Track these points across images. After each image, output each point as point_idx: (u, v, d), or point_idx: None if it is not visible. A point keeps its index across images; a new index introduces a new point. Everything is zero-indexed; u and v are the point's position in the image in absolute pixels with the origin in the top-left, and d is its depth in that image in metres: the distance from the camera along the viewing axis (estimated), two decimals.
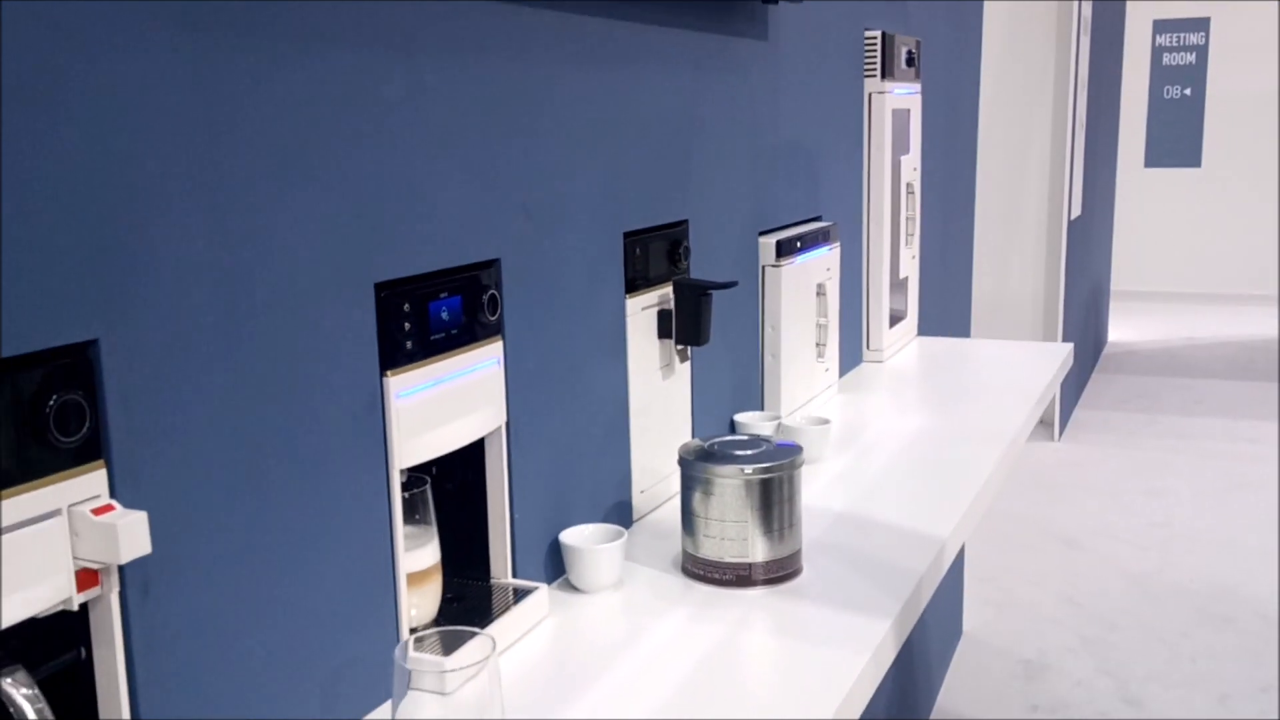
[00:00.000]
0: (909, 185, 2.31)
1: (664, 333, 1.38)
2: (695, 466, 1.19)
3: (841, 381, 2.08)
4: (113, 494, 0.70)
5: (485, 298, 1.04)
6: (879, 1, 2.19)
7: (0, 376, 0.64)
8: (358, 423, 0.91)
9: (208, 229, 0.76)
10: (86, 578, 0.69)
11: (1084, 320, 5.98)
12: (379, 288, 0.92)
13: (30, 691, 0.65)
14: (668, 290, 1.39)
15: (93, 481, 0.69)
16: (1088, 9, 5.19)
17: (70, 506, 0.67)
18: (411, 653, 0.82)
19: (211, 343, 0.77)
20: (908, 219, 2.32)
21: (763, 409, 1.73)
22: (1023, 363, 2.17)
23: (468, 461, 1.09)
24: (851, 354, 2.17)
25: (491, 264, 1.07)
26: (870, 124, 2.15)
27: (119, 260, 0.70)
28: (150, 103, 0.72)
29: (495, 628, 1.03)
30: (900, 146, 2.25)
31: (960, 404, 1.90)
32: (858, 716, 0.99)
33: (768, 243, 1.70)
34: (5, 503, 0.64)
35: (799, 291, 1.78)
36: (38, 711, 0.65)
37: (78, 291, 0.68)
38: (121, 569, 0.70)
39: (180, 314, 0.74)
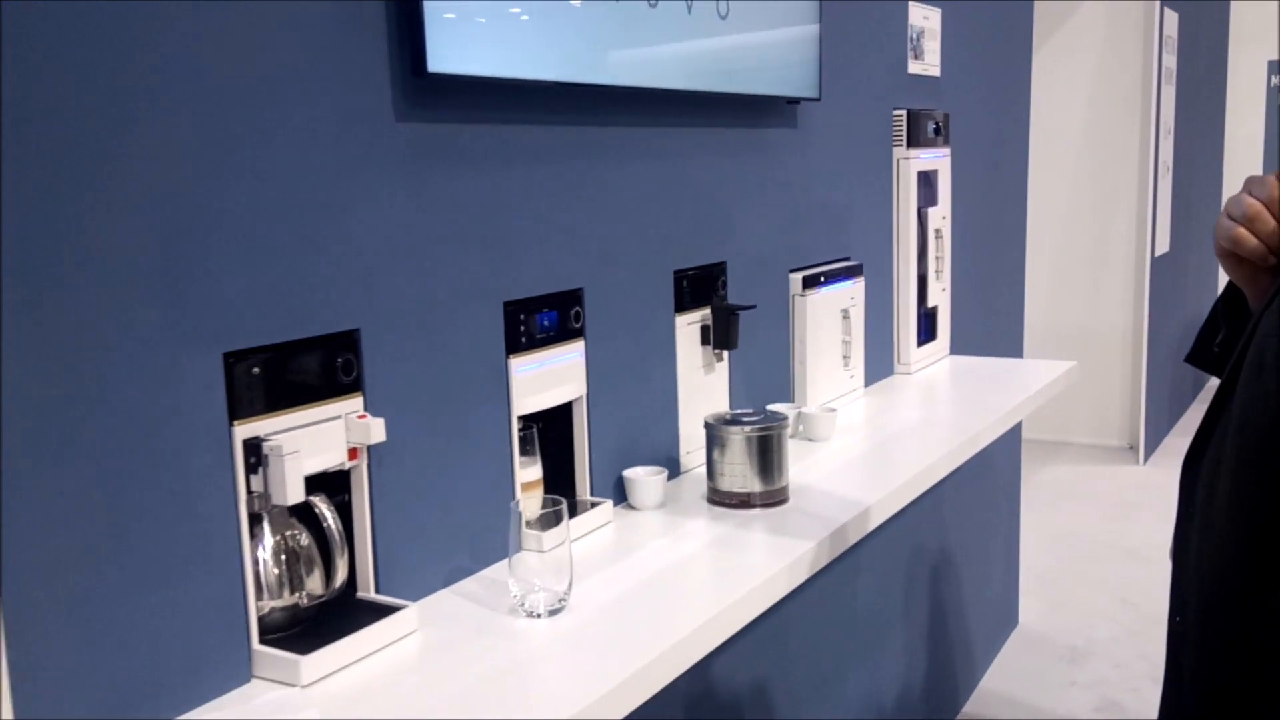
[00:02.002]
0: (937, 231, 2.84)
1: (705, 340, 1.98)
2: (715, 428, 1.78)
3: (872, 387, 2.62)
4: (365, 408, 1.33)
5: (572, 312, 1.66)
6: (916, 78, 2.74)
7: (320, 343, 1.27)
8: (493, 385, 1.53)
9: (427, 270, 1.39)
10: (352, 453, 1.32)
11: (1180, 351, 6.27)
12: (506, 304, 1.54)
13: (330, 506, 1.29)
14: (708, 310, 1.98)
15: (356, 402, 1.32)
16: (1171, 60, 5.55)
17: (346, 414, 1.31)
18: (524, 528, 1.41)
19: (416, 332, 1.40)
20: (937, 259, 2.85)
21: (792, 400, 2.30)
22: (1025, 378, 2.68)
23: (562, 418, 1.70)
24: (884, 366, 2.71)
25: (576, 292, 1.68)
26: (898, 183, 2.70)
27: (372, 291, 1.34)
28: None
29: (576, 521, 1.63)
30: (928, 200, 2.79)
31: (949, 406, 2.43)
32: (777, 584, 1.55)
33: (796, 278, 2.27)
34: (317, 409, 1.27)
35: (824, 315, 2.35)
36: (334, 518, 1.28)
37: (352, 306, 1.31)
38: (369, 449, 1.33)
39: (400, 316, 1.37)
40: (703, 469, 1.89)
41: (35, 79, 0.98)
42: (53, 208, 1.00)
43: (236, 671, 1.19)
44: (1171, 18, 5.47)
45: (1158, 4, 5.22)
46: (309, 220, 1.25)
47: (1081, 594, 3.98)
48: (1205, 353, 1.20)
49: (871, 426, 2.29)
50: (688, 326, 1.95)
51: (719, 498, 1.78)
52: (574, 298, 1.67)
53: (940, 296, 2.90)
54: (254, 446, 1.20)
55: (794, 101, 2.19)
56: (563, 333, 1.65)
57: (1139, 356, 5.61)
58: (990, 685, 3.34)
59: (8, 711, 0.97)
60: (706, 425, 1.80)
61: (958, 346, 3.07)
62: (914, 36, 2.74)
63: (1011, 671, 3.42)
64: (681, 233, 1.92)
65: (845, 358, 2.45)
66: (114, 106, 1.04)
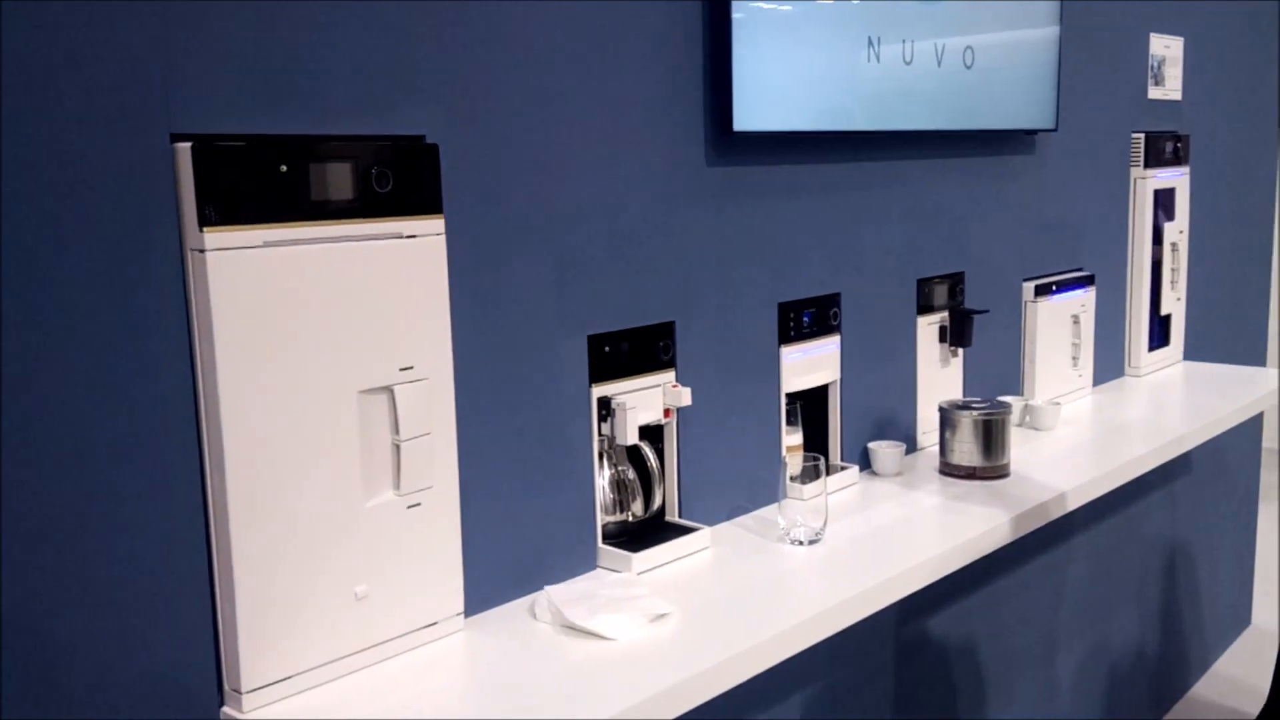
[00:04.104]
0: (1173, 244, 3.05)
1: (942, 339, 2.34)
2: (947, 412, 2.15)
3: (1101, 386, 2.89)
4: (677, 380, 1.79)
5: (830, 312, 2.07)
6: (1156, 103, 2.97)
7: (649, 331, 1.75)
8: (768, 368, 1.96)
9: (724, 279, 1.84)
10: (667, 412, 1.79)
11: None
12: (780, 305, 1.97)
13: (652, 450, 1.76)
14: (946, 313, 2.34)
15: (671, 375, 1.79)
16: None
17: (664, 383, 1.77)
18: (789, 479, 1.84)
19: (715, 325, 1.85)
20: (1172, 270, 3.07)
21: (1021, 394, 2.61)
22: (1254, 386, 2.87)
23: (820, 397, 2.12)
24: (1114, 368, 2.97)
25: (835, 296, 2.09)
26: (1134, 201, 2.94)
27: (685, 293, 1.80)
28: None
29: (830, 480, 2.04)
30: (1165, 216, 3.01)
31: (1167, 408, 2.67)
32: (992, 535, 1.90)
33: (1029, 286, 2.59)
34: (645, 378, 1.74)
35: (1054, 320, 2.64)
36: (655, 459, 1.75)
37: (671, 303, 1.78)
38: (679, 410, 1.80)
39: (704, 312, 1.83)
40: (936, 446, 2.26)
41: (471, 161, 1.49)
42: (503, 252, 1.51)
43: (588, 560, 1.68)
44: None
45: None
46: (643, 241, 1.72)
47: None
48: None
49: (1092, 421, 2.57)
50: (928, 326, 2.31)
51: (948, 470, 2.15)
52: (833, 300, 2.08)
53: (1174, 305, 3.11)
54: (605, 402, 1.68)
55: (1032, 133, 2.50)
56: (823, 328, 2.06)
57: None
58: (1220, 671, 3.50)
59: (458, 576, 1.49)
60: (940, 409, 2.17)
61: (1193, 353, 3.26)
62: (1155, 65, 2.97)
63: (1237, 667, 3.55)
64: (925, 247, 2.29)
65: (1074, 359, 2.74)
66: (541, 180, 1.54)
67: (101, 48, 1.13)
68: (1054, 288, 2.64)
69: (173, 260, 1.20)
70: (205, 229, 1.20)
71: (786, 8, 1.84)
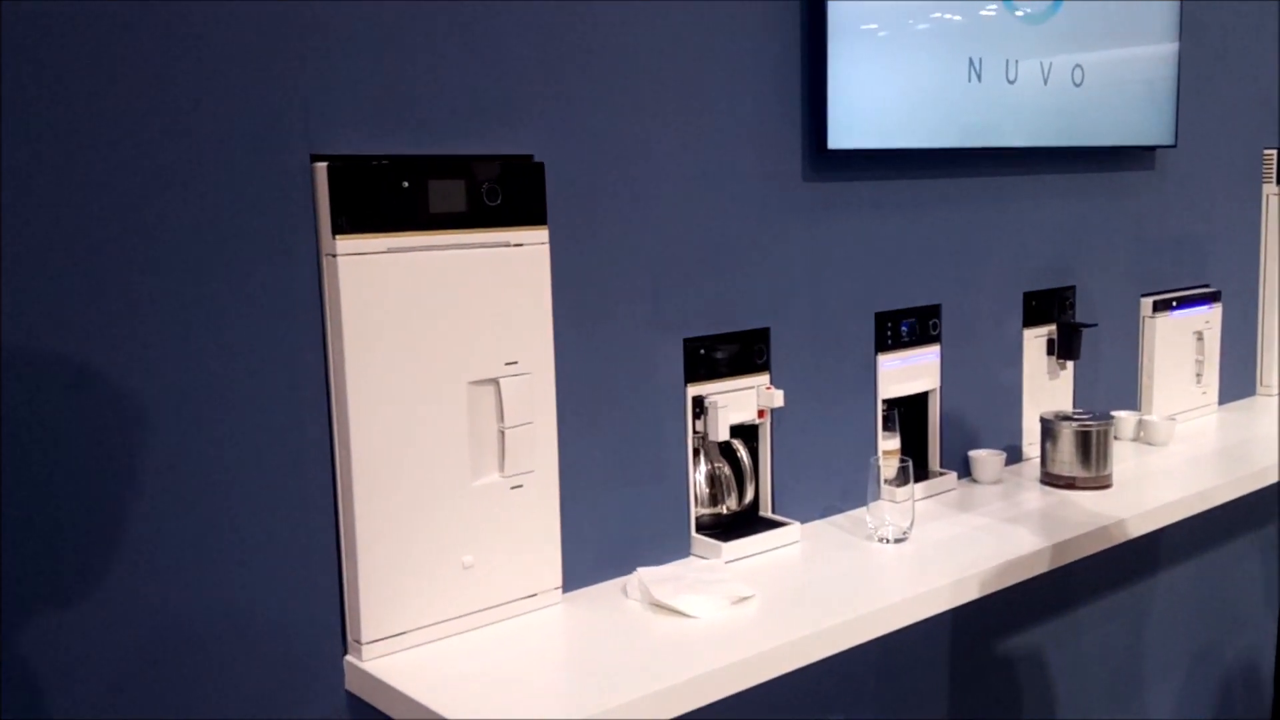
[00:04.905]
0: None
1: (1050, 351, 2.37)
2: (1049, 423, 2.19)
3: (1228, 404, 2.84)
4: (771, 382, 1.91)
5: (930, 322, 2.14)
6: None
7: (744, 336, 1.87)
8: (864, 375, 2.05)
9: (818, 288, 1.95)
10: (760, 413, 1.90)
11: None
12: (876, 314, 2.06)
13: (744, 448, 1.87)
14: (1054, 326, 2.37)
15: (765, 377, 1.90)
16: None
17: (757, 385, 1.89)
18: (881, 481, 1.92)
19: (809, 331, 1.95)
20: None
21: (1138, 409, 2.61)
22: None
23: (920, 403, 2.19)
24: (1243, 386, 2.92)
25: (935, 307, 2.16)
26: (1266, 217, 2.89)
27: (780, 301, 1.91)
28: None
29: (925, 484, 2.11)
30: None
31: None
32: (1085, 541, 1.93)
33: (1147, 301, 2.59)
34: (739, 380, 1.86)
35: (1174, 336, 2.63)
36: (747, 455, 1.87)
37: (766, 310, 1.89)
38: (772, 411, 1.91)
39: (798, 319, 1.94)
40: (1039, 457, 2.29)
41: (574, 176, 1.64)
42: (603, 259, 1.66)
43: (680, 548, 1.81)
44: None
45: None
46: (741, 251, 1.85)
47: None
48: None
49: (1212, 439, 2.55)
50: (1035, 339, 2.35)
51: (1049, 479, 2.19)
52: (933, 311, 2.15)
53: None
54: (698, 400, 1.81)
55: (1150, 149, 2.51)
56: (922, 338, 2.14)
57: None
58: None
59: (557, 553, 1.64)
60: (1042, 419, 2.21)
61: None
62: None
63: None
64: (1032, 261, 2.33)
65: (1198, 375, 2.71)
66: (640, 193, 1.69)
67: (256, 84, 1.33)
68: (1174, 303, 2.62)
69: (311, 263, 1.40)
70: (338, 236, 1.38)
71: (884, 33, 1.94)
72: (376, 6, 1.42)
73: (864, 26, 1.91)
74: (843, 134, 1.91)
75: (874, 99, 1.95)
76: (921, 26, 2.00)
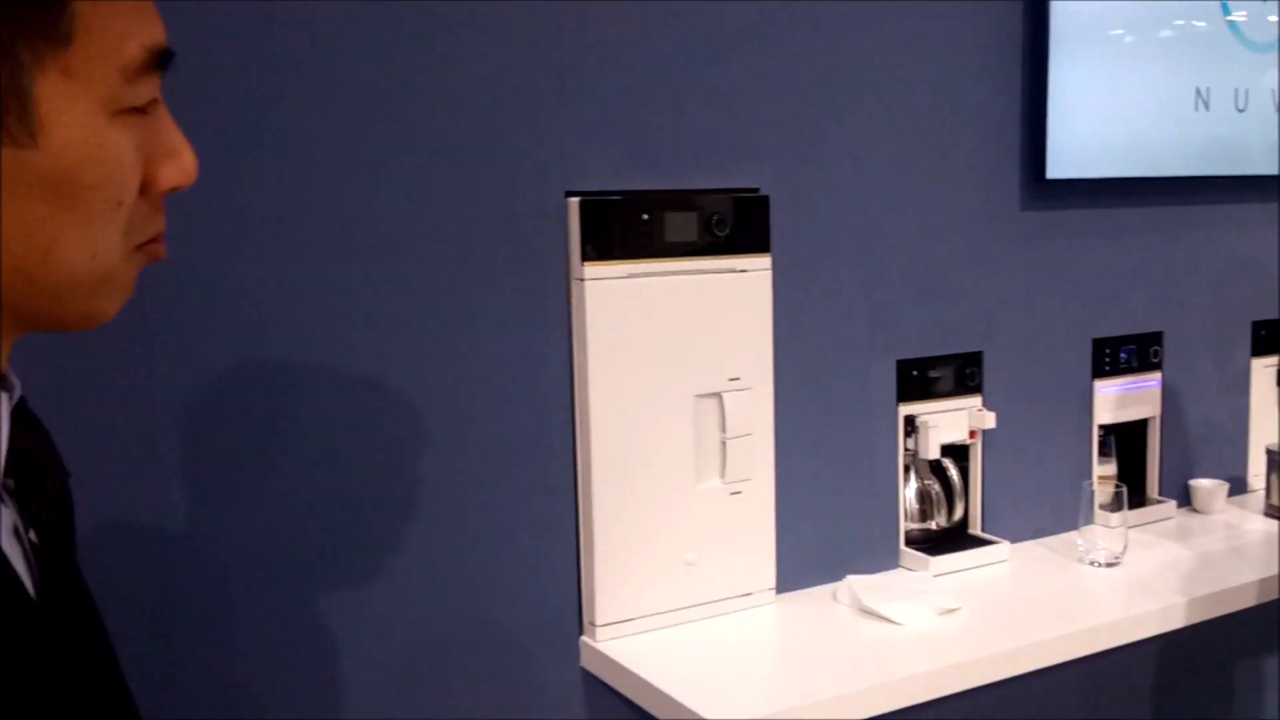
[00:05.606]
0: None
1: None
2: (1274, 454, 2.15)
3: None
4: (983, 404, 1.97)
5: (1151, 349, 2.14)
6: None
7: (956, 359, 1.94)
8: (1079, 400, 2.08)
9: (1033, 314, 2.00)
10: (972, 434, 1.97)
11: None
12: (1094, 340, 2.09)
13: (955, 466, 1.94)
14: None
15: (977, 400, 1.97)
16: None
17: (969, 407, 1.96)
18: (1095, 506, 1.95)
19: (1022, 357, 2.00)
20: None
21: None
22: None
23: (1139, 430, 2.19)
24: None
25: (1156, 334, 2.16)
26: None
27: (994, 326, 1.97)
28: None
29: (1141, 511, 2.12)
30: None
31: None
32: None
33: None
34: (950, 401, 1.94)
35: None
36: (957, 474, 1.94)
37: (979, 335, 1.96)
38: (984, 432, 1.97)
39: (1011, 344, 1.99)
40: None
41: (797, 208, 1.77)
42: (822, 285, 1.79)
43: (889, 560, 1.90)
44: None
45: None
46: (955, 278, 1.92)
47: None
48: None
49: None
50: (1264, 369, 2.31)
51: (1273, 512, 2.15)
52: (1154, 339, 2.16)
53: None
54: (910, 420, 1.90)
55: None
56: (1142, 364, 2.15)
57: None
58: None
59: (771, 556, 1.76)
60: (1268, 451, 2.17)
61: None
62: None
63: None
64: (1262, 290, 2.29)
65: None
66: (860, 223, 1.80)
67: (520, 131, 1.53)
68: None
69: (562, 285, 1.58)
70: (585, 263, 1.57)
71: (1103, 71, 1.97)
72: (622, 67, 1.60)
73: (1084, 62, 1.95)
74: (1061, 163, 1.95)
75: (1093, 129, 1.98)
76: (1146, 51, 2.02)
